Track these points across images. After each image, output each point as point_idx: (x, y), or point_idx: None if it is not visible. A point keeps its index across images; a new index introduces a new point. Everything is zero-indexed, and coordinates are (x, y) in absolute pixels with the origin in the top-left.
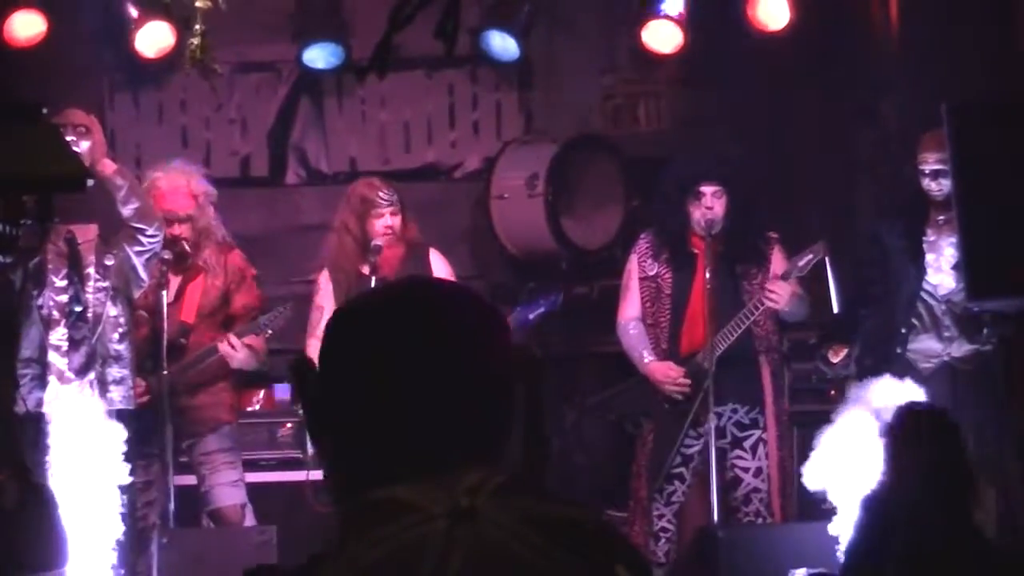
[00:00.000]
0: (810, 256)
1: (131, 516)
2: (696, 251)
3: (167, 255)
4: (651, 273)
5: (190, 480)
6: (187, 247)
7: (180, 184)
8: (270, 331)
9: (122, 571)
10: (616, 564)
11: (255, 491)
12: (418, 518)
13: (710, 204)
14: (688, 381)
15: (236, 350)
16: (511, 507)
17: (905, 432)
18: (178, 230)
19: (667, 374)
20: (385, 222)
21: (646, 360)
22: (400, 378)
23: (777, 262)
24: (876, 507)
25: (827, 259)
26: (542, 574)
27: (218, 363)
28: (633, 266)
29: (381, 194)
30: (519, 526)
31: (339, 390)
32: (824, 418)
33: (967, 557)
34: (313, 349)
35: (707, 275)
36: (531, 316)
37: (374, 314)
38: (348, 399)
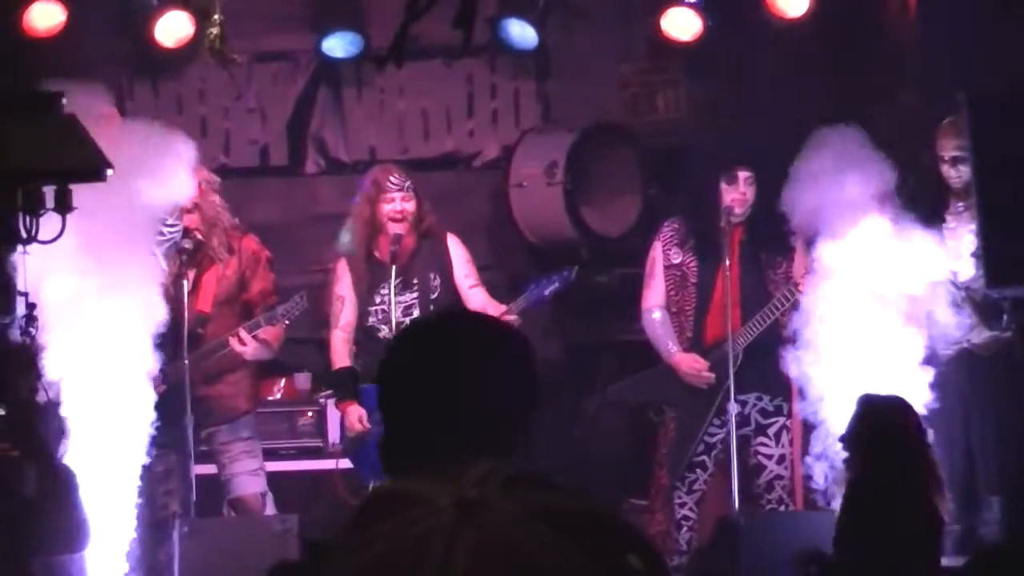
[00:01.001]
0: None
1: (151, 505)
2: (723, 239)
3: (187, 244)
4: (676, 261)
5: (210, 469)
6: (199, 236)
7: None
8: (287, 321)
9: (142, 560)
10: (627, 554)
11: (275, 480)
12: (425, 510)
13: (743, 190)
14: (713, 375)
15: (246, 344)
16: (519, 498)
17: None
18: (187, 220)
19: (693, 366)
20: (395, 207)
21: (672, 351)
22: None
23: (800, 252)
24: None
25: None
26: (550, 566)
27: (235, 353)
28: (657, 254)
29: (392, 178)
30: (527, 517)
31: (390, 390)
32: None
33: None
34: (337, 340)
35: (726, 262)
36: (546, 293)
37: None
38: (395, 396)
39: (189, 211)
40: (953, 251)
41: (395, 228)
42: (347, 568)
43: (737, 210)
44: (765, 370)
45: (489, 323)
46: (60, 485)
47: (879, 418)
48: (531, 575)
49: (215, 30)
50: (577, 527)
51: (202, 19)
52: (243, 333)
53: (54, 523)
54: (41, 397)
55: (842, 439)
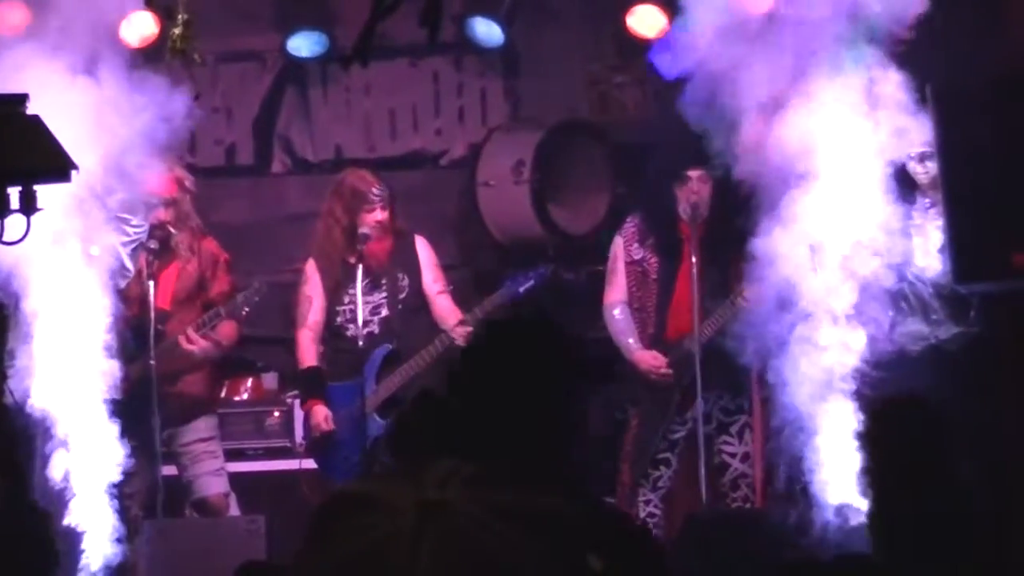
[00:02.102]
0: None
1: (115, 507)
2: (683, 236)
3: (153, 245)
4: (637, 257)
5: (171, 470)
6: (171, 229)
7: (163, 169)
8: (247, 309)
9: (107, 563)
10: (588, 554)
11: (242, 480)
12: (387, 513)
13: (696, 189)
14: (671, 371)
15: (194, 344)
16: (481, 498)
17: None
18: (163, 214)
19: (651, 363)
20: (376, 217)
21: (632, 347)
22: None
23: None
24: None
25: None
26: (512, 565)
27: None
28: (619, 250)
29: (374, 190)
30: (489, 517)
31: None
32: None
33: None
34: (304, 340)
35: (693, 260)
36: (520, 290)
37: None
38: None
39: (167, 205)
40: (920, 247)
41: (367, 230)
42: (309, 572)
43: (700, 209)
44: (725, 368)
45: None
46: (33, 521)
47: (911, 426)
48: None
49: (178, 30)
50: (538, 527)
51: (166, 19)
52: (191, 332)
53: (25, 559)
54: (7, 399)
55: (873, 450)
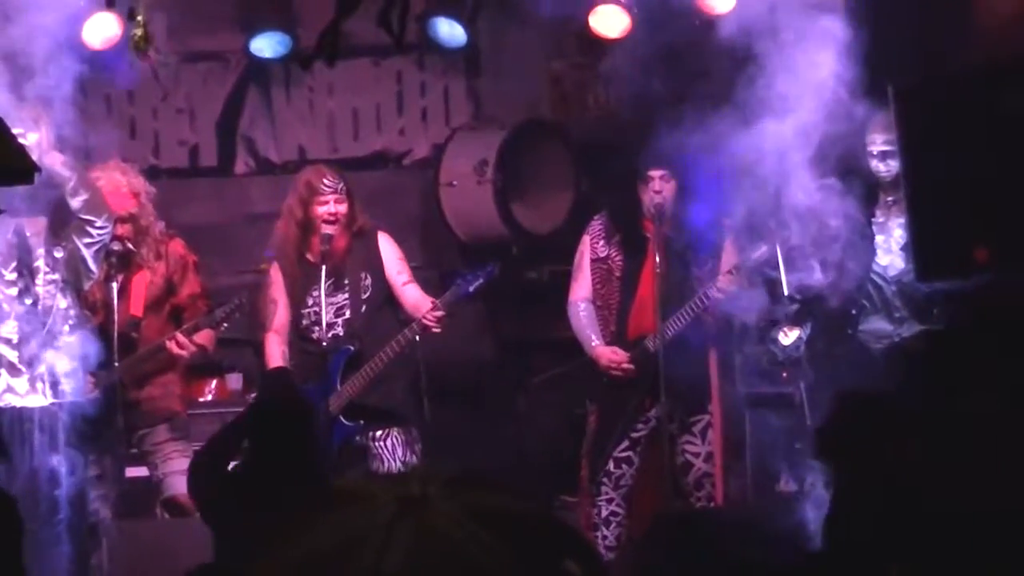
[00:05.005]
0: (763, 250)
1: (83, 510)
2: (648, 235)
3: (116, 247)
4: (602, 255)
5: (141, 472)
6: (130, 245)
7: (119, 183)
8: (225, 325)
9: (74, 564)
10: (565, 559)
11: None
12: (364, 506)
13: (658, 188)
14: (631, 366)
15: (184, 348)
16: (460, 497)
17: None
18: (120, 230)
19: (611, 359)
20: (328, 208)
21: (593, 343)
22: None
23: (729, 251)
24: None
25: (778, 249)
26: (485, 566)
27: (168, 356)
28: (585, 247)
29: (325, 180)
30: (465, 517)
31: None
32: (776, 400)
33: None
34: (271, 343)
35: (657, 260)
36: (471, 289)
37: None
38: None
39: (123, 221)
40: (883, 245)
41: (327, 229)
42: (279, 563)
43: (664, 208)
44: (687, 367)
45: None
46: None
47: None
48: (466, 574)
49: (139, 31)
50: (517, 529)
51: (129, 20)
52: (181, 337)
53: None
54: None
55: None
